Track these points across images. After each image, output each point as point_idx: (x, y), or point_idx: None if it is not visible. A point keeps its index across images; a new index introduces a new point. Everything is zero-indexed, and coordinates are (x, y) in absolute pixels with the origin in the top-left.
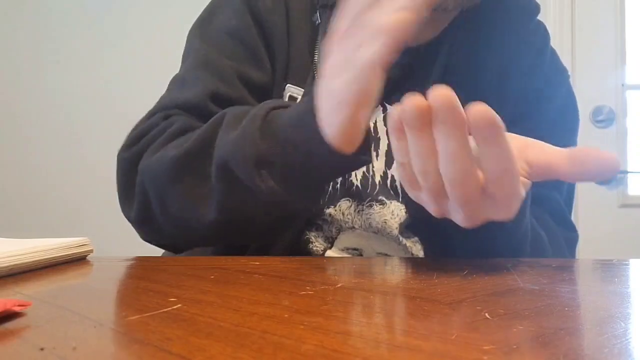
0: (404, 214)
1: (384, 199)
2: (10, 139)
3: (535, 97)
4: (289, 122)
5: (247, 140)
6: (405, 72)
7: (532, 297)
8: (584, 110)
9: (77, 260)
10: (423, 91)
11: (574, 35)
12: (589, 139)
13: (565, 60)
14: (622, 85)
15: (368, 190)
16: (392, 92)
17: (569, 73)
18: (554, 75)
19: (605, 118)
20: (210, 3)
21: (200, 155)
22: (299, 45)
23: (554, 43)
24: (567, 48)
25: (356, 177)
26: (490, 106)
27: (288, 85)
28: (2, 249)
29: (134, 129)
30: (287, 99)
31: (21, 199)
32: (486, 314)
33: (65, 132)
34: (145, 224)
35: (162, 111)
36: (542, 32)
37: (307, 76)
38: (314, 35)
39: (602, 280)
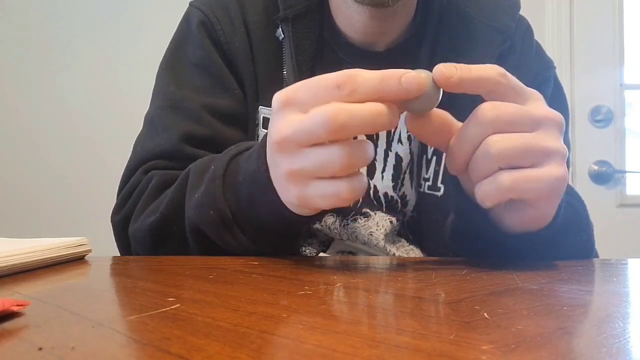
0: (389, 223)
1: (368, 210)
2: (10, 139)
3: None
4: (244, 180)
5: (210, 202)
6: None
7: (531, 296)
8: (582, 110)
9: (76, 260)
10: None
11: (573, 35)
12: (588, 139)
13: (563, 60)
14: (621, 85)
15: (351, 205)
16: None
17: (555, 65)
18: (541, 71)
19: (604, 118)
20: (174, 36)
21: (175, 219)
22: (265, 64)
23: (552, 43)
24: (566, 48)
25: None
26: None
27: (260, 107)
28: (0, 248)
29: (120, 187)
30: (261, 122)
31: (21, 199)
32: (485, 314)
33: (65, 132)
34: None
35: (142, 164)
36: (523, 29)
37: (275, 92)
38: (279, 51)
39: (601, 280)
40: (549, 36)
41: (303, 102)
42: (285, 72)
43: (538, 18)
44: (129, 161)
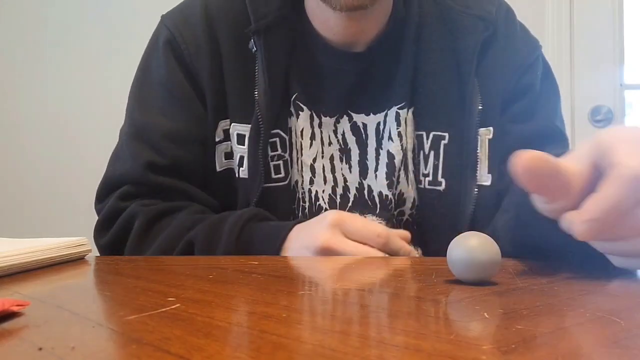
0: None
1: (358, 214)
2: (10, 139)
3: (516, 82)
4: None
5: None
6: (364, 77)
7: (531, 296)
8: (582, 110)
9: (75, 260)
10: (386, 93)
11: (573, 35)
12: (587, 139)
13: (563, 59)
14: (621, 85)
15: (338, 209)
16: (354, 98)
17: (540, 44)
18: (529, 53)
19: (604, 118)
20: (145, 52)
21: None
22: (236, 79)
23: (552, 43)
24: (566, 48)
25: (324, 200)
26: (472, 103)
27: (233, 124)
28: (0, 248)
29: (97, 203)
30: (235, 138)
31: (20, 199)
32: (485, 314)
33: (64, 132)
34: None
35: (115, 189)
36: (504, 13)
37: (248, 108)
38: (252, 64)
39: (600, 280)
40: (549, 36)
41: (349, 230)
42: (256, 90)
43: (538, 18)
44: (104, 178)
